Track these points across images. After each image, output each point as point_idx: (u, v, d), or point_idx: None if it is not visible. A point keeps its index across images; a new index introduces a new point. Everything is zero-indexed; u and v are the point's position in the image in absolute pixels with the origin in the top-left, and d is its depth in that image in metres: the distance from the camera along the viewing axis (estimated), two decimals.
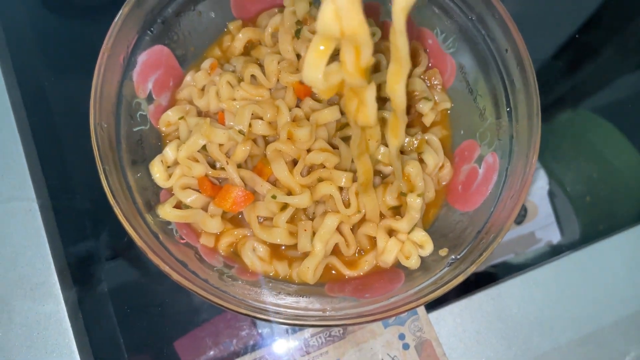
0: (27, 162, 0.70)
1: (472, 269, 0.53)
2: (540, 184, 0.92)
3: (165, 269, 0.49)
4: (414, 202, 0.60)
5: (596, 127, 0.96)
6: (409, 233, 0.60)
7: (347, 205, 0.61)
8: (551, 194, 0.90)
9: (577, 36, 0.95)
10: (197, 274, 0.52)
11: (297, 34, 0.65)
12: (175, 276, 0.49)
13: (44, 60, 0.82)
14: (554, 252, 0.81)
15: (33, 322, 0.65)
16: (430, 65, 0.69)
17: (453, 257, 0.56)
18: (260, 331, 0.71)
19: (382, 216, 0.63)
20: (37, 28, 0.83)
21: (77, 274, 0.70)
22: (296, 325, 0.52)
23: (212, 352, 0.71)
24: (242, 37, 0.68)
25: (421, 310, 0.70)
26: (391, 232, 0.62)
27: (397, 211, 0.62)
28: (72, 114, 0.63)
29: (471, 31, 0.63)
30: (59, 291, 0.67)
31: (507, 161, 0.59)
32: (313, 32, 0.63)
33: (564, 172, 0.92)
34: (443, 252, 0.58)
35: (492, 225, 0.55)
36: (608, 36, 0.99)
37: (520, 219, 0.92)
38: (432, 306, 0.70)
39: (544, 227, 0.91)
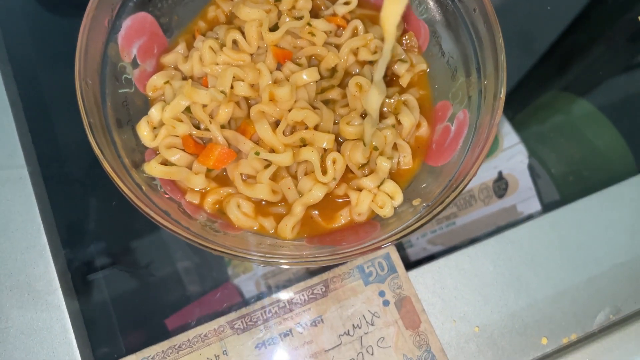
0: (17, 131, 0.72)
1: (439, 209, 0.55)
2: (520, 157, 0.94)
3: (150, 213, 0.51)
4: (382, 165, 0.63)
5: (577, 107, 0.99)
6: (379, 186, 0.63)
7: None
8: (532, 170, 0.93)
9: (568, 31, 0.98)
10: (179, 222, 0.54)
11: None
12: (159, 219, 0.51)
13: (36, 47, 0.85)
14: None
15: (24, 284, 0.67)
16: (406, 29, 0.72)
17: (425, 204, 0.58)
18: (245, 292, 0.73)
19: (351, 173, 0.65)
20: (30, 22, 0.86)
21: (68, 238, 0.72)
22: (274, 264, 0.54)
23: (199, 319, 0.73)
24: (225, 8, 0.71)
25: (400, 268, 0.72)
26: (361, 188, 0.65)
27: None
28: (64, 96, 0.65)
29: None
30: (49, 255, 0.69)
31: (476, 115, 0.61)
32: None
33: (547, 153, 0.95)
34: (416, 202, 0.60)
35: (461, 174, 0.57)
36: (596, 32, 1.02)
37: (502, 192, 0.94)
38: (411, 266, 0.72)
39: (525, 200, 0.93)
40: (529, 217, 0.86)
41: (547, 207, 0.89)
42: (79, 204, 0.74)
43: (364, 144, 0.61)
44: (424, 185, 0.63)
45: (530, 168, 0.93)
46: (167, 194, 0.61)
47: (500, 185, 0.94)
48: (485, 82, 0.61)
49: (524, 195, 0.94)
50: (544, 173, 0.95)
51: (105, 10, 0.60)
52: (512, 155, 0.94)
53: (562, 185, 0.93)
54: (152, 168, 0.60)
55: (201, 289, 0.76)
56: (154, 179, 0.60)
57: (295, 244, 0.61)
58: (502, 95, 0.57)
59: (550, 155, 0.96)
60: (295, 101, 0.64)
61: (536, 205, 0.93)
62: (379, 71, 0.52)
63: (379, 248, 0.52)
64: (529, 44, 0.99)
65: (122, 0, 0.62)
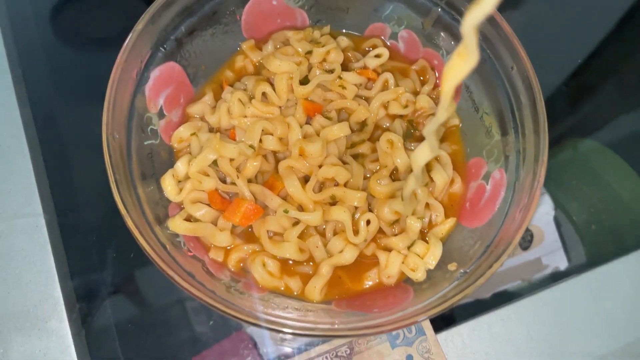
0: (35, 178, 0.70)
1: (481, 282, 0.52)
2: (546, 209, 0.91)
3: (174, 276, 0.48)
4: (412, 225, 0.60)
5: (600, 155, 0.96)
6: (409, 247, 0.60)
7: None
8: (557, 220, 0.90)
9: (578, 70, 0.97)
10: (205, 285, 0.52)
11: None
12: (183, 284, 0.48)
13: (56, 85, 0.84)
14: (560, 278, 0.80)
15: (35, 339, 0.64)
16: (437, 83, 0.70)
17: (462, 270, 0.55)
18: (264, 351, 0.69)
19: (380, 232, 0.63)
20: (50, 58, 0.85)
21: (82, 294, 0.69)
22: (303, 336, 0.51)
23: None
24: (254, 58, 0.70)
25: (429, 330, 0.69)
26: (390, 248, 0.62)
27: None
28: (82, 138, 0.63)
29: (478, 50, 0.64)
30: (63, 310, 0.66)
31: (515, 176, 0.59)
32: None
33: (568, 201, 0.92)
34: (452, 266, 0.58)
35: (501, 239, 0.55)
36: (609, 72, 1.01)
37: (527, 244, 0.91)
38: (440, 327, 0.69)
39: (551, 253, 0.90)
40: (556, 272, 0.82)
41: (574, 261, 0.86)
42: (95, 255, 0.71)
43: (402, 199, 0.58)
44: (459, 247, 0.60)
45: (556, 220, 0.90)
46: (190, 252, 0.58)
47: (525, 237, 0.91)
48: (524, 142, 0.58)
49: (550, 248, 0.91)
50: (565, 221, 0.92)
51: (135, 61, 0.58)
52: (537, 206, 0.91)
53: (586, 235, 0.90)
54: (177, 225, 0.58)
55: (212, 335, 0.71)
56: (177, 235, 0.59)
57: (323, 307, 0.58)
58: (545, 158, 0.55)
59: (572, 204, 0.93)
60: (325, 156, 0.62)
61: (562, 259, 0.90)
62: (433, 124, 0.49)
63: (415, 322, 0.49)
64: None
65: (151, 51, 0.61)
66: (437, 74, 0.71)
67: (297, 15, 0.72)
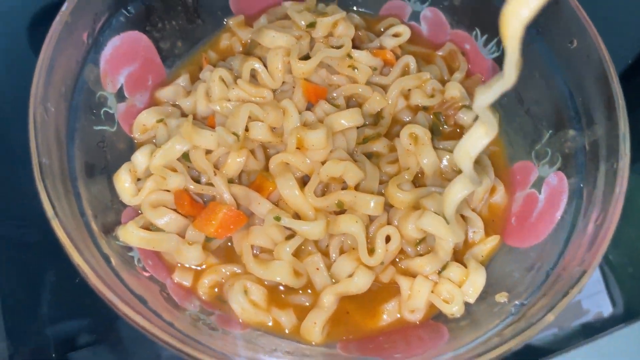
0: None
1: (551, 318, 0.38)
2: None
3: (110, 297, 0.33)
4: (444, 243, 0.48)
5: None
6: (440, 272, 0.48)
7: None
8: None
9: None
10: (160, 315, 0.37)
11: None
12: (123, 308, 0.34)
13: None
14: (605, 326, 0.69)
15: None
16: (469, 71, 0.58)
17: (518, 302, 0.41)
18: None
19: (400, 251, 0.50)
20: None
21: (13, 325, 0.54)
22: None
23: None
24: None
25: None
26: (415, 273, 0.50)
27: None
28: None
29: None
30: None
31: (581, 179, 0.47)
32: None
33: None
34: (501, 296, 0.46)
35: (571, 260, 0.42)
36: None
37: None
38: None
39: (592, 296, 0.78)
40: (600, 319, 0.71)
41: (619, 306, 0.74)
42: (32, 278, 0.56)
43: (445, 219, 0.44)
44: (508, 272, 0.48)
45: None
46: (146, 271, 0.45)
47: None
48: (592, 135, 0.46)
49: (591, 290, 0.78)
50: (602, 262, 0.79)
51: (85, 20, 0.46)
52: None
53: (623, 278, 0.78)
54: (129, 233, 0.46)
55: None
56: (130, 249, 0.47)
57: (325, 352, 0.45)
58: (627, 150, 0.41)
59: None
60: (330, 151, 0.49)
61: (606, 303, 0.77)
62: (492, 93, 0.36)
63: None
64: None
65: (109, 12, 0.48)
66: (468, 61, 0.59)
67: None
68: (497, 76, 0.34)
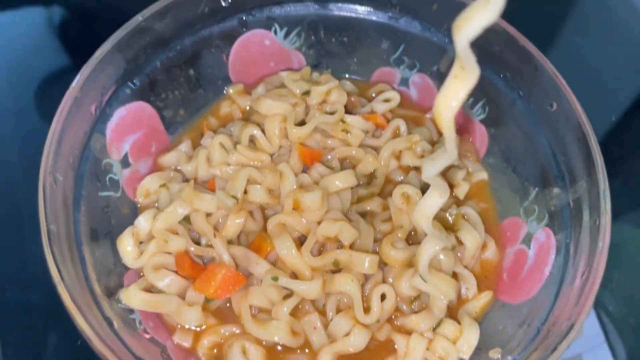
0: None
1: None
2: None
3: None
4: (438, 301, 0.48)
5: (636, 241, 0.86)
6: (435, 328, 0.48)
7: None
8: (597, 311, 0.77)
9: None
10: None
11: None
12: None
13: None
14: None
15: None
16: (458, 131, 0.60)
17: (510, 358, 0.43)
18: None
19: (397, 310, 0.51)
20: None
21: None
22: None
23: None
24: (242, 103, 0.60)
25: None
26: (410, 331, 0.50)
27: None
28: None
29: (504, 91, 0.55)
30: None
31: (567, 235, 0.48)
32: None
33: (601, 290, 0.80)
34: (494, 352, 0.46)
35: (560, 315, 0.42)
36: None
37: None
38: None
39: (592, 349, 0.77)
40: None
41: (621, 358, 0.72)
42: (35, 340, 0.56)
43: (418, 271, 0.46)
44: (501, 328, 0.48)
45: (595, 308, 0.77)
46: (147, 333, 0.45)
47: None
48: (575, 192, 0.47)
49: (591, 343, 0.77)
50: (602, 313, 0.79)
51: (94, 93, 0.49)
52: None
53: (625, 329, 0.77)
54: (131, 296, 0.46)
55: None
56: (132, 311, 0.47)
57: None
58: (607, 207, 0.43)
59: (607, 294, 0.81)
60: (326, 211, 0.51)
61: (607, 355, 0.76)
62: (437, 166, 0.39)
63: None
64: None
65: (116, 85, 0.51)
66: (456, 123, 0.61)
67: (293, 58, 0.64)
68: (441, 150, 0.38)
